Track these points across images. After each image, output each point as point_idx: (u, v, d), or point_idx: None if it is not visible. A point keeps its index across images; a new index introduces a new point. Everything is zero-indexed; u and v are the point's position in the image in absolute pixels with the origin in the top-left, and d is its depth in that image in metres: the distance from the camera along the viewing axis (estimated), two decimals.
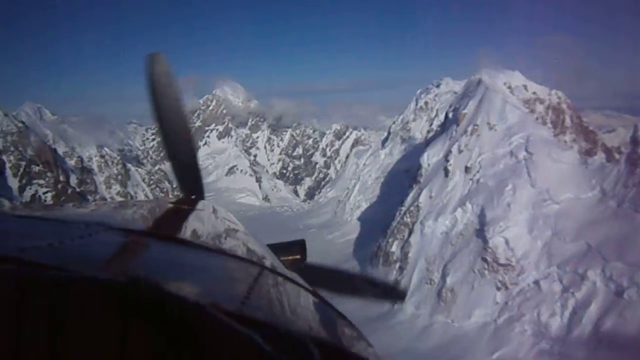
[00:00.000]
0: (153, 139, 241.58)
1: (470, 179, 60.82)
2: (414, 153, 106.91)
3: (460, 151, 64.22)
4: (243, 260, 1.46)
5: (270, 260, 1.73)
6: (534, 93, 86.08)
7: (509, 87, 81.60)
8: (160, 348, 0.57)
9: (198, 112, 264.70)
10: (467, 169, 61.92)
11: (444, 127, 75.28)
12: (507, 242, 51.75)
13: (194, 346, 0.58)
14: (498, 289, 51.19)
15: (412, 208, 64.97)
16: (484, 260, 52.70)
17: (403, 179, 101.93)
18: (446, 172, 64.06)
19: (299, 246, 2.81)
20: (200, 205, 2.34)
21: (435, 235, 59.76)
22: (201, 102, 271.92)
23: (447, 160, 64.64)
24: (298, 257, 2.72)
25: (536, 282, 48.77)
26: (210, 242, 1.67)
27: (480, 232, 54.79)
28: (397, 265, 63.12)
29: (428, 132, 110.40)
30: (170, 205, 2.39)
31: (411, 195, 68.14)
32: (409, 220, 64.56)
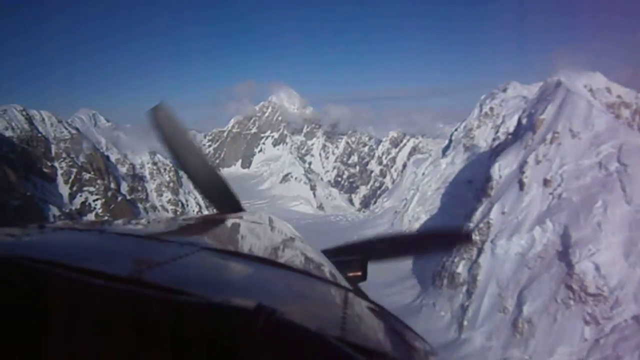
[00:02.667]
0: (209, 145, 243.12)
1: (551, 194, 53.65)
2: (478, 162, 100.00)
3: (537, 162, 57.08)
4: (329, 282, 1.54)
5: (343, 280, 1.79)
6: (619, 96, 77.23)
7: (590, 90, 73.36)
8: None
9: (254, 118, 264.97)
10: (546, 182, 54.73)
11: (517, 134, 68.07)
12: (597, 268, 44.44)
13: None
14: (587, 323, 43.98)
15: (481, 224, 58.21)
16: (569, 288, 45.60)
17: (466, 190, 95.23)
18: (521, 185, 57.04)
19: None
20: (267, 219, 2.47)
21: (509, 257, 52.94)
22: (257, 108, 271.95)
23: (522, 172, 57.61)
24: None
25: (636, 318, 41.28)
26: (289, 261, 1.73)
27: (564, 255, 47.66)
28: (464, 288, 56.62)
29: (494, 140, 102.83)
30: (242, 221, 2.39)
31: (480, 210, 61.36)
32: (477, 238, 57.77)
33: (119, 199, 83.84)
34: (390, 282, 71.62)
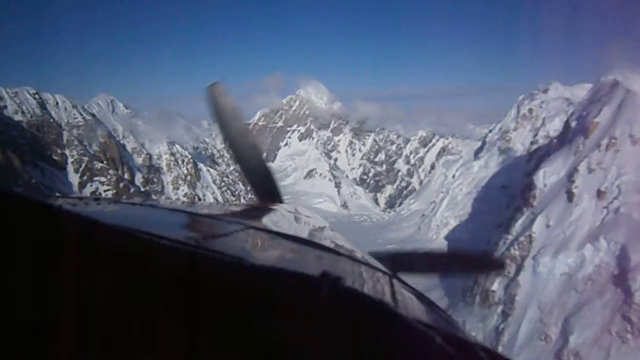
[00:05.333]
0: None
1: (605, 208, 47.21)
2: (514, 167, 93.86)
3: (590, 170, 50.59)
4: (373, 267, 1.60)
5: (384, 268, 1.85)
6: None
7: None
8: (356, 343, 0.61)
9: (281, 112, 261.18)
10: (600, 194, 48.29)
11: (563, 139, 61.37)
12: None
13: (389, 344, 0.62)
14: None
15: (522, 238, 52.00)
16: (627, 319, 39.31)
17: (500, 195, 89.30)
18: (570, 196, 50.65)
19: (391, 261, 2.54)
20: (304, 211, 2.61)
21: (554, 277, 46.77)
22: (284, 102, 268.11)
23: (572, 181, 51.20)
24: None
25: None
26: (333, 247, 1.78)
27: (621, 280, 41.36)
28: (499, 308, 50.58)
29: (532, 143, 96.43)
30: (283, 210, 2.46)
31: (521, 221, 55.08)
32: (517, 253, 51.67)
33: (132, 190, 79.55)
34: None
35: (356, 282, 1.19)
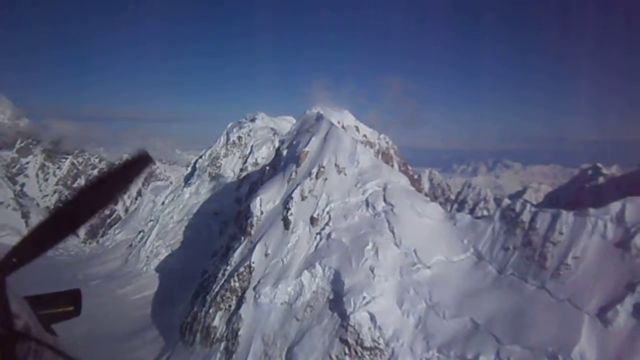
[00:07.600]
0: None
1: (318, 234, 49.03)
2: (224, 193, 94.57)
3: (303, 198, 52.25)
4: None
5: (18, 316, 1.55)
6: (365, 136, 79.95)
7: (343, 127, 73.69)
8: None
9: None
10: (313, 221, 50.08)
11: (276, 166, 63.01)
12: (372, 317, 40.57)
13: None
14: None
15: (241, 269, 50.31)
16: (344, 342, 40.68)
17: (212, 223, 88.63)
18: (286, 224, 51.34)
19: (72, 296, 2.34)
20: None
21: (275, 307, 46.10)
22: None
23: (287, 209, 52.07)
24: (71, 308, 2.29)
25: None
26: None
27: (337, 304, 42.87)
28: (222, 345, 47.61)
29: (241, 170, 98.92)
30: None
31: (239, 251, 53.56)
32: (237, 284, 49.75)
33: None
34: (128, 333, 58.81)
35: None
